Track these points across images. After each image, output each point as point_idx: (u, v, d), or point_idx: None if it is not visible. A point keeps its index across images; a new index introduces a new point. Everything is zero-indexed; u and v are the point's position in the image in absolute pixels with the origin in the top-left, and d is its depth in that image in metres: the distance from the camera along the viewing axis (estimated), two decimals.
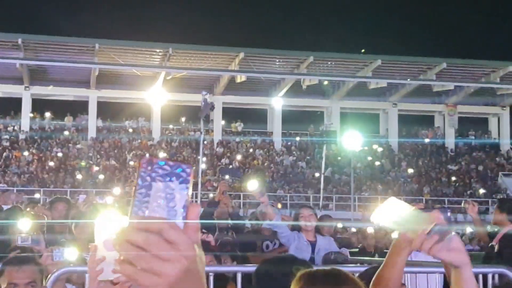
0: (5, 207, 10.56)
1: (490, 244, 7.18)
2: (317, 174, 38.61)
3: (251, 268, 5.84)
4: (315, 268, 2.70)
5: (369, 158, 42.95)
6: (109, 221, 1.94)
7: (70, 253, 4.87)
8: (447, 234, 1.88)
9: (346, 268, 5.16)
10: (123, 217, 1.91)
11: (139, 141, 42.00)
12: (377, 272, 2.60)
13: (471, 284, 1.98)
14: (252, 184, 7.00)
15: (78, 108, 43.13)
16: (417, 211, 1.98)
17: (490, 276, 5.13)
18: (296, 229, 6.92)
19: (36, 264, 4.05)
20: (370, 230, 13.44)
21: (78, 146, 40.67)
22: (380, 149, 44.94)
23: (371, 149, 44.01)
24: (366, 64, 41.47)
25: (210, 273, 4.95)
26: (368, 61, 41.34)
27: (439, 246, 1.89)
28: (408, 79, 42.90)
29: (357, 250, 12.61)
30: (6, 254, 5.58)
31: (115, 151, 40.54)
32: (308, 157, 42.72)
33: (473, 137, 47.07)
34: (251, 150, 43.01)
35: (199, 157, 26.90)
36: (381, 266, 2.58)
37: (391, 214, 1.99)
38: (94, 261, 2.00)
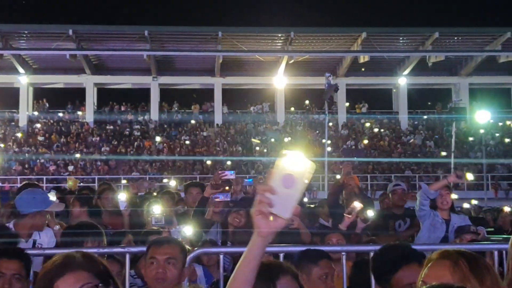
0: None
1: None
2: (443, 153, 37.56)
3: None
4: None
5: (502, 135, 41.24)
6: (294, 159, 1.94)
7: (187, 231, 5.35)
8: None
9: (482, 246, 4.94)
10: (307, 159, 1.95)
11: (264, 126, 42.43)
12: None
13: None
14: None
15: (204, 96, 44.19)
16: None
17: None
18: (432, 207, 6.85)
19: (177, 244, 4.16)
20: (506, 208, 13.27)
21: (205, 133, 41.66)
22: None
23: (504, 125, 42.27)
24: (495, 37, 39.60)
25: (343, 253, 4.85)
26: (497, 34, 39.45)
27: None
28: None
29: (492, 229, 12.23)
30: (142, 237, 5.79)
31: (241, 137, 41.16)
32: (437, 136, 41.57)
33: None
34: (376, 130, 42.41)
35: (324, 140, 26.81)
36: None
37: None
38: (264, 189, 1.95)
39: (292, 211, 1.96)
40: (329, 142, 31.38)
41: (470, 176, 7.46)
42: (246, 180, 12.35)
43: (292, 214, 1.97)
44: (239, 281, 2.05)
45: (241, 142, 40.47)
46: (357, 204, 6.90)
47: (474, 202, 23.59)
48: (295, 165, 1.93)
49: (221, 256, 4.86)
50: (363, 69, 40.85)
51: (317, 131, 40.70)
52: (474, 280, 2.28)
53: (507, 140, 40.99)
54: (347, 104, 43.66)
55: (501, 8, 49.42)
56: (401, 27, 40.33)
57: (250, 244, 2.03)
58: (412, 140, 41.06)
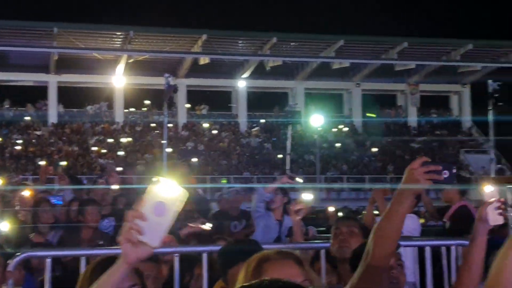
0: None
1: (442, 220, 7.29)
2: (280, 156, 38.61)
3: (217, 248, 5.72)
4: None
5: (334, 138, 43.13)
6: (167, 186, 1.85)
7: (3, 226, 5.59)
8: None
9: (310, 245, 5.10)
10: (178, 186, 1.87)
11: (102, 126, 41.46)
12: (377, 223, 2.57)
13: None
14: None
15: (38, 93, 42.36)
16: None
17: (453, 248, 5.10)
18: (268, 208, 6.97)
19: None
20: (331, 209, 13.87)
21: (39, 132, 39.99)
22: (345, 129, 45.14)
23: (336, 129, 44.22)
24: (329, 44, 41.48)
25: (176, 254, 4.78)
26: (331, 41, 41.33)
27: None
28: (371, 59, 43.13)
29: (324, 228, 12.70)
30: None
31: (78, 136, 39.98)
32: (274, 139, 42.67)
33: (435, 115, 47.59)
34: (215, 132, 42.80)
35: (163, 141, 26.63)
36: (382, 217, 2.58)
37: None
38: (134, 215, 1.85)
39: (161, 239, 1.88)
40: (168, 143, 31.23)
41: (299, 180, 7.89)
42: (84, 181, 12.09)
43: (162, 243, 1.89)
44: None
45: (77, 142, 39.29)
46: (206, 226, 6.96)
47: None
48: (167, 193, 1.85)
49: (48, 260, 4.61)
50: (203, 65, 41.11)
51: (157, 132, 40.40)
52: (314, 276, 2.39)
53: (338, 144, 42.90)
54: (188, 105, 43.75)
55: (336, 16, 51.83)
56: (241, 30, 41.07)
57: (114, 269, 1.93)
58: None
